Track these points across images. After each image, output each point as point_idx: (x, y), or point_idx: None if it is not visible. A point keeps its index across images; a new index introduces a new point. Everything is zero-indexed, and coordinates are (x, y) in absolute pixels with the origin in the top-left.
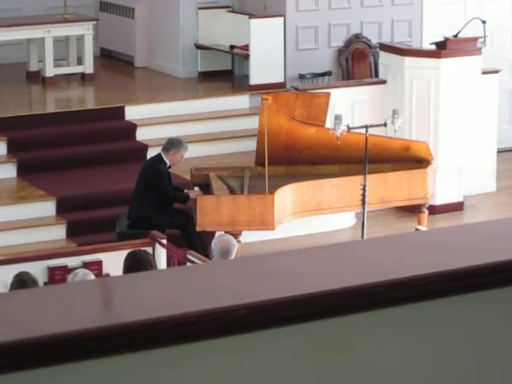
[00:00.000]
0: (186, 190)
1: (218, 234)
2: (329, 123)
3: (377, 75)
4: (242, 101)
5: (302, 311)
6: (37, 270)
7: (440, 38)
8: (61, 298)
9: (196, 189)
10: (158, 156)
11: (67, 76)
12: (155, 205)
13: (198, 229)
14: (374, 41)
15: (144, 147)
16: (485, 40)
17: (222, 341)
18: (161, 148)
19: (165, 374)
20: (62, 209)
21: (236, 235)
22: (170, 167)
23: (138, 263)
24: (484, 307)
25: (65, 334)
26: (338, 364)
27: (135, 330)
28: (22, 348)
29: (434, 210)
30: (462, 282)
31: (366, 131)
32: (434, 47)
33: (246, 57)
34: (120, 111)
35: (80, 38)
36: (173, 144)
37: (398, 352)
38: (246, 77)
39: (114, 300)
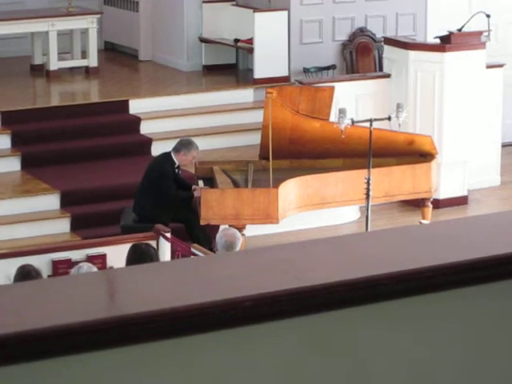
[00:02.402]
0: (194, 187)
1: (222, 227)
2: (333, 117)
3: (381, 69)
4: (246, 94)
5: (307, 303)
6: (41, 263)
7: (444, 32)
8: (64, 289)
9: (200, 184)
10: (167, 155)
11: (71, 69)
12: (158, 201)
13: (202, 222)
14: (379, 35)
15: (148, 141)
16: (489, 34)
17: (225, 333)
18: (165, 143)
19: (168, 366)
20: (66, 202)
21: (240, 229)
22: (178, 167)
23: (138, 256)
24: (489, 300)
25: (67, 326)
26: (341, 356)
27: (138, 321)
28: (25, 339)
29: (438, 204)
30: (467, 274)
31: (371, 125)
32: (438, 41)
33: (251, 50)
34: (124, 105)
35: (84, 32)
36: (183, 144)
37: (402, 344)
38: (251, 70)
39: (116, 292)
